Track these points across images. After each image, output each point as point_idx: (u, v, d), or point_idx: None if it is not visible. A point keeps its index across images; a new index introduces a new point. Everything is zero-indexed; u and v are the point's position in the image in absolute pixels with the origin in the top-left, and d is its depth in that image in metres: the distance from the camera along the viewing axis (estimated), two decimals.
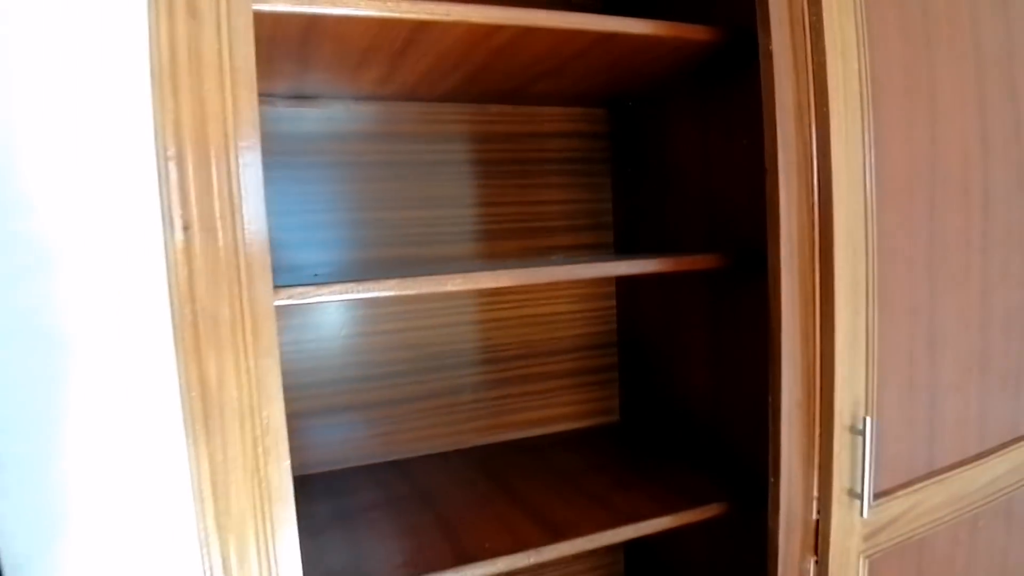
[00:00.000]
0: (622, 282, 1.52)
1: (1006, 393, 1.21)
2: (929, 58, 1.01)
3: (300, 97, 1.23)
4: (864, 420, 0.94)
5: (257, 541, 0.64)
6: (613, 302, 1.53)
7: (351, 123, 1.28)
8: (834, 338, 0.92)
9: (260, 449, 0.63)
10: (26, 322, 0.60)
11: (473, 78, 1.14)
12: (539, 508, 1.08)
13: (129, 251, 0.62)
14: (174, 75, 0.59)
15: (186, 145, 0.59)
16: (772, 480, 0.97)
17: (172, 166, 0.59)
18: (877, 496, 1.02)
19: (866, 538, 1.02)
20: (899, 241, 0.99)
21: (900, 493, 1.05)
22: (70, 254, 0.62)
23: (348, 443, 1.33)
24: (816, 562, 1.00)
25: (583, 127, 1.46)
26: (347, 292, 0.79)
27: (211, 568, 0.62)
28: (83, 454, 0.63)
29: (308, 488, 1.21)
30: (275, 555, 0.65)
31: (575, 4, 1.37)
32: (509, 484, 1.20)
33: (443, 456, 1.37)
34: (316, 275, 0.92)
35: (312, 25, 0.81)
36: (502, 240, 1.42)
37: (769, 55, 0.89)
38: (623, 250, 1.47)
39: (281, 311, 0.72)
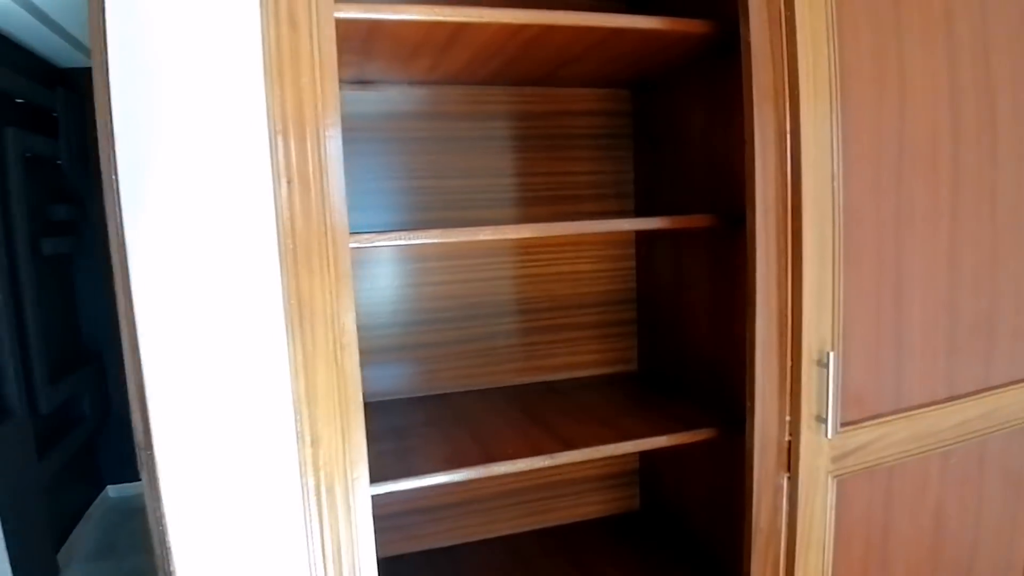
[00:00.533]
0: (640, 243, 1.71)
1: (977, 346, 1.36)
2: (899, 48, 1.17)
3: (362, 82, 1.45)
4: (828, 355, 1.12)
5: (334, 412, 0.87)
6: (632, 263, 1.72)
7: (404, 104, 1.50)
8: (802, 286, 1.10)
9: (338, 346, 0.86)
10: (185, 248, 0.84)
11: (508, 66, 1.34)
12: (557, 429, 1.30)
13: (250, 198, 0.84)
14: (280, 70, 0.81)
15: (289, 122, 0.82)
16: (748, 405, 1.16)
17: (279, 138, 0.81)
18: (844, 425, 1.20)
19: (834, 460, 1.20)
20: (866, 206, 1.16)
21: (867, 424, 1.23)
22: (210, 199, 0.85)
23: (398, 378, 1.56)
24: (788, 478, 1.19)
25: (608, 106, 1.64)
26: (401, 239, 1.01)
27: (302, 431, 0.86)
28: (220, 339, 0.87)
29: (364, 412, 1.44)
30: (347, 424, 0.88)
31: (594, 3, 1.55)
32: (534, 412, 1.42)
33: (480, 392, 1.60)
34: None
35: (375, 27, 1.02)
36: (535, 206, 1.62)
37: (748, 45, 1.07)
38: (642, 215, 1.66)
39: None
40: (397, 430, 1.32)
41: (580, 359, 1.72)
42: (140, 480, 3.06)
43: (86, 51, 3.38)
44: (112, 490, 3.85)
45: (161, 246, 0.84)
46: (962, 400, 1.35)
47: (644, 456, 1.77)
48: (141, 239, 0.82)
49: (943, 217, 1.27)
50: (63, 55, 3.44)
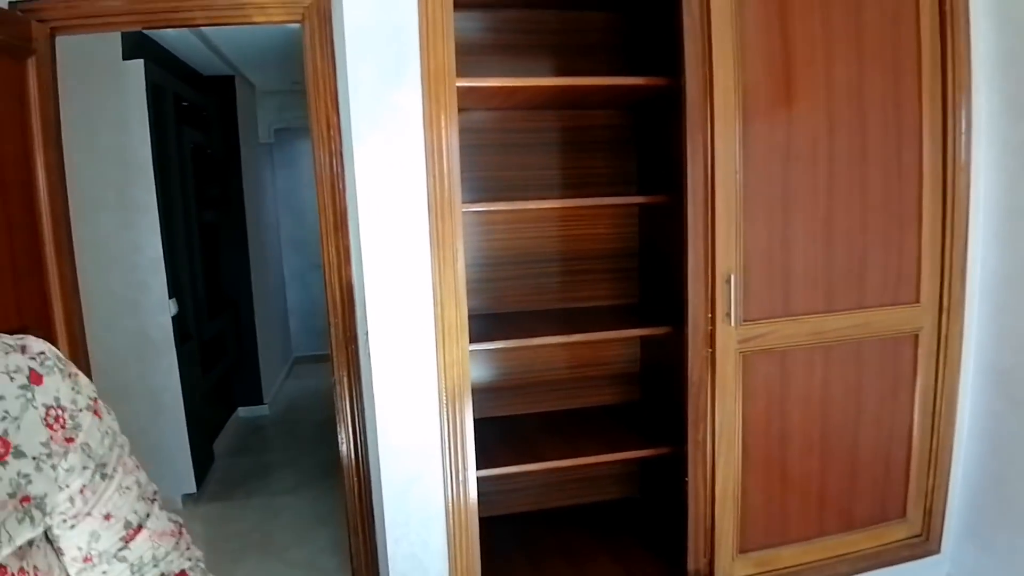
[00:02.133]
0: (641, 214, 2.50)
1: (851, 280, 2.11)
2: (787, 91, 1.93)
3: (460, 110, 2.28)
4: (731, 277, 1.91)
5: (451, 292, 1.72)
6: (636, 228, 2.52)
7: (483, 122, 2.33)
8: (715, 237, 1.89)
9: (454, 258, 1.71)
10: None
11: (548, 100, 2.16)
12: (581, 327, 2.12)
13: (415, 186, 1.70)
14: (431, 117, 1.66)
15: (432, 139, 1.66)
16: (686, 309, 1.96)
17: (429, 149, 1.66)
18: (746, 320, 1.98)
19: (740, 342, 1.99)
20: (760, 188, 1.93)
21: (763, 321, 2.01)
22: (399, 190, 1.70)
23: (478, 299, 2.40)
24: (710, 351, 1.99)
25: (616, 122, 2.44)
26: (489, 206, 1.85)
27: (436, 302, 1.71)
28: (401, 259, 1.73)
29: None
30: (458, 301, 1.73)
31: (603, 60, 2.34)
32: (566, 321, 2.24)
33: (531, 312, 2.43)
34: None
35: (472, 88, 1.85)
36: (568, 189, 2.43)
37: (686, 95, 1.85)
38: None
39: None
40: (479, 326, 2.17)
41: (599, 292, 2.53)
42: (263, 404, 4.37)
43: (228, 62, 4.31)
44: (242, 411, 4.86)
45: (377, 217, 1.70)
46: (838, 313, 2.11)
47: (643, 358, 2.57)
48: (371, 217, 1.69)
49: (820, 195, 2.03)
50: (209, 64, 4.37)
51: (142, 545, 0.72)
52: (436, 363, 1.81)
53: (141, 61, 2.92)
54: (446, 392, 1.83)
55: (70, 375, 0.67)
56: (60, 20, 1.91)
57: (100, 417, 0.70)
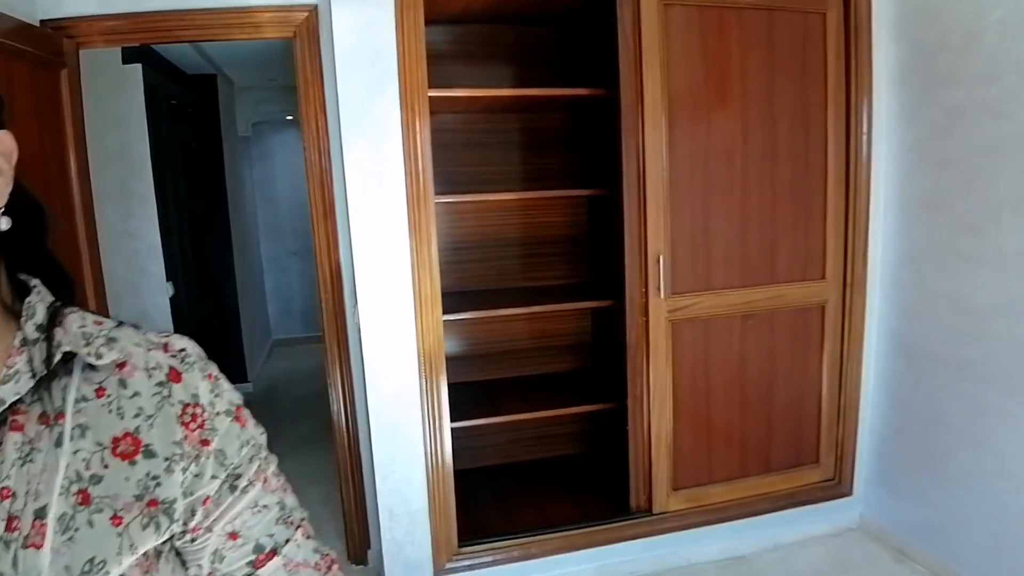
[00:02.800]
0: (591, 205, 2.86)
1: (763, 259, 2.50)
2: (708, 96, 2.30)
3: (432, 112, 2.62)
4: (660, 257, 2.29)
5: (426, 268, 2.07)
6: (586, 217, 2.89)
7: (453, 123, 2.67)
8: (647, 223, 2.26)
9: (429, 242, 2.06)
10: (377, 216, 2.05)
11: (507, 104, 2.51)
12: (537, 301, 2.48)
13: (396, 182, 2.04)
14: (408, 122, 2.00)
15: (409, 139, 2.00)
16: (625, 284, 2.33)
17: (407, 148, 2.00)
18: (674, 293, 2.36)
19: (669, 312, 2.37)
20: (684, 182, 2.31)
21: (688, 294, 2.39)
22: (382, 186, 2.05)
23: (447, 279, 2.74)
24: (645, 320, 2.37)
25: (568, 123, 2.80)
26: (458, 198, 2.20)
27: (415, 280, 2.06)
28: (383, 243, 2.07)
29: None
30: (432, 276, 2.08)
31: (546, 79, 2.69)
32: (525, 297, 2.60)
33: (496, 290, 2.79)
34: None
35: (441, 97, 2.19)
36: (526, 182, 2.79)
37: (620, 104, 2.21)
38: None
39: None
40: (450, 302, 2.52)
41: (555, 273, 2.90)
42: (248, 382, 4.76)
43: (211, 61, 4.58)
44: None
45: (366, 210, 2.04)
46: (753, 287, 2.50)
47: (593, 330, 2.95)
48: (359, 208, 2.03)
49: (736, 188, 2.41)
50: (193, 64, 4.64)
51: (274, 574, 0.65)
52: (415, 329, 2.16)
53: (139, 65, 3.20)
54: (424, 353, 2.19)
55: (212, 376, 0.63)
56: (84, 36, 2.21)
57: (243, 425, 0.65)
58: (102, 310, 2.32)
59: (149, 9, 2.20)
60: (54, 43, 2.10)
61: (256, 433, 0.66)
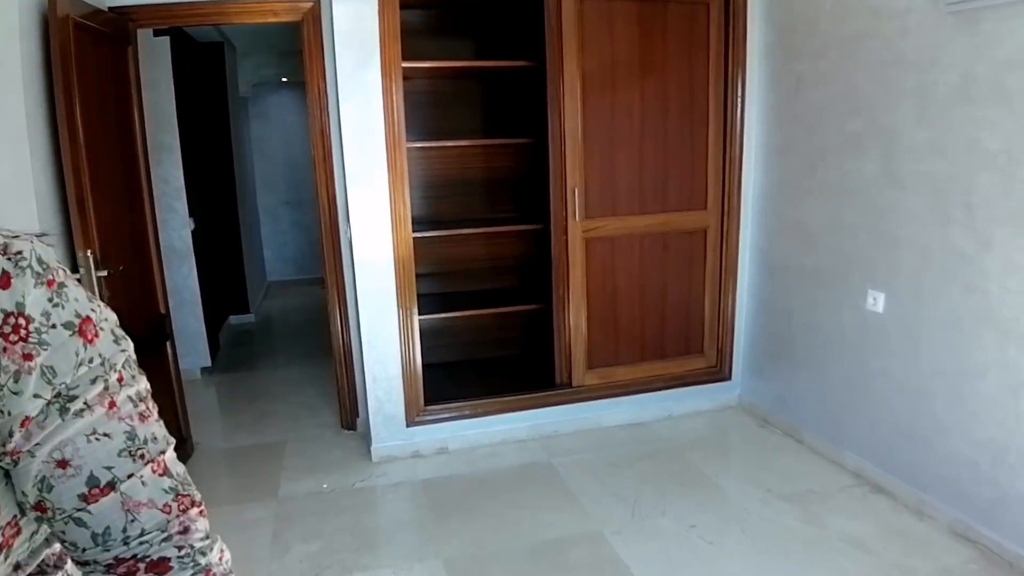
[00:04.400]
0: (529, 150, 3.64)
1: (657, 192, 3.30)
2: (613, 68, 3.08)
3: (405, 78, 3.37)
4: (575, 190, 3.08)
5: (400, 200, 2.85)
6: (528, 161, 3.66)
7: (425, 87, 3.43)
8: (566, 164, 3.05)
9: (403, 178, 2.83)
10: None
11: (464, 71, 3.27)
12: (488, 224, 3.28)
13: (378, 131, 2.81)
14: (387, 86, 2.76)
15: (390, 98, 2.77)
16: (551, 212, 3.13)
17: (387, 105, 2.77)
18: (587, 218, 3.16)
19: (583, 232, 3.18)
20: (595, 133, 3.10)
21: (598, 218, 3.20)
22: (368, 137, 2.82)
23: (418, 211, 3.53)
24: (565, 239, 3.17)
25: (516, 86, 3.56)
26: (423, 143, 2.98)
27: (392, 213, 2.84)
28: (369, 182, 2.85)
29: None
30: (404, 205, 2.86)
31: (498, 51, 3.45)
32: (480, 222, 3.40)
33: (459, 220, 3.58)
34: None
35: (413, 68, 2.95)
36: (483, 135, 3.56)
37: (546, 73, 2.98)
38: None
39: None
40: (419, 225, 3.31)
41: (505, 208, 3.69)
42: (250, 313, 5.74)
43: (220, 32, 5.26)
44: (232, 319, 5.93)
45: (356, 152, 2.82)
46: (649, 215, 3.30)
47: (533, 254, 3.75)
48: (351, 151, 2.80)
49: (635, 138, 3.20)
50: (205, 34, 5.31)
51: (108, 513, 0.57)
52: (392, 241, 2.95)
53: (167, 38, 3.91)
54: (398, 260, 2.98)
55: (52, 283, 0.55)
56: (141, 19, 2.94)
57: (88, 341, 0.56)
58: (152, 244, 3.10)
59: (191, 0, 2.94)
60: (123, 24, 2.83)
61: (110, 352, 0.58)
